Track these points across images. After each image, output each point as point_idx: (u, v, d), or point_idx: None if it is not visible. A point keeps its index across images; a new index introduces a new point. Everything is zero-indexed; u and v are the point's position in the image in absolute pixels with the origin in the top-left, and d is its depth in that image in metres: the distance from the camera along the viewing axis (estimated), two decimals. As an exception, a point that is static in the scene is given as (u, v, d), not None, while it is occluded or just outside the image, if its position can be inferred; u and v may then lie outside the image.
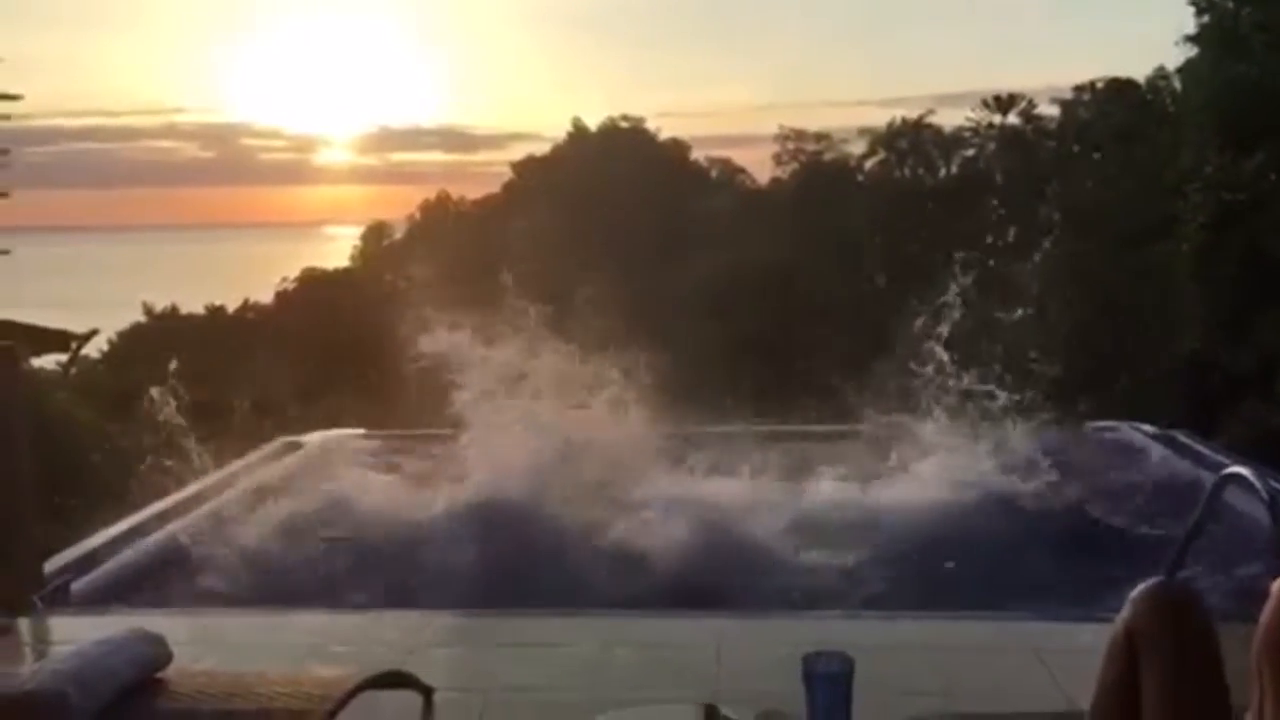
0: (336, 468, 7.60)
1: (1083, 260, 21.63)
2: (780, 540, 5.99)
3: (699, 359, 25.27)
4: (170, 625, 3.29)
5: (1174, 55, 21.20)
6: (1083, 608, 4.17)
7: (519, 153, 39.72)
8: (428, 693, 3.40)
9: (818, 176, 31.22)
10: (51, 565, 4.92)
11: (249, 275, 33.91)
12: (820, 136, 32.75)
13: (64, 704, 2.65)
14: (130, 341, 24.50)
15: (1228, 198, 15.96)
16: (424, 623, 4.32)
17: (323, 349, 22.83)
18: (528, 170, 36.47)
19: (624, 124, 37.14)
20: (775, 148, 33.24)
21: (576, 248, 28.78)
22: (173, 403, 6.87)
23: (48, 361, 14.49)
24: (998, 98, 30.62)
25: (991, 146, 30.57)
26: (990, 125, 30.67)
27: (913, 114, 31.49)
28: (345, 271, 31.46)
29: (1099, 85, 27.95)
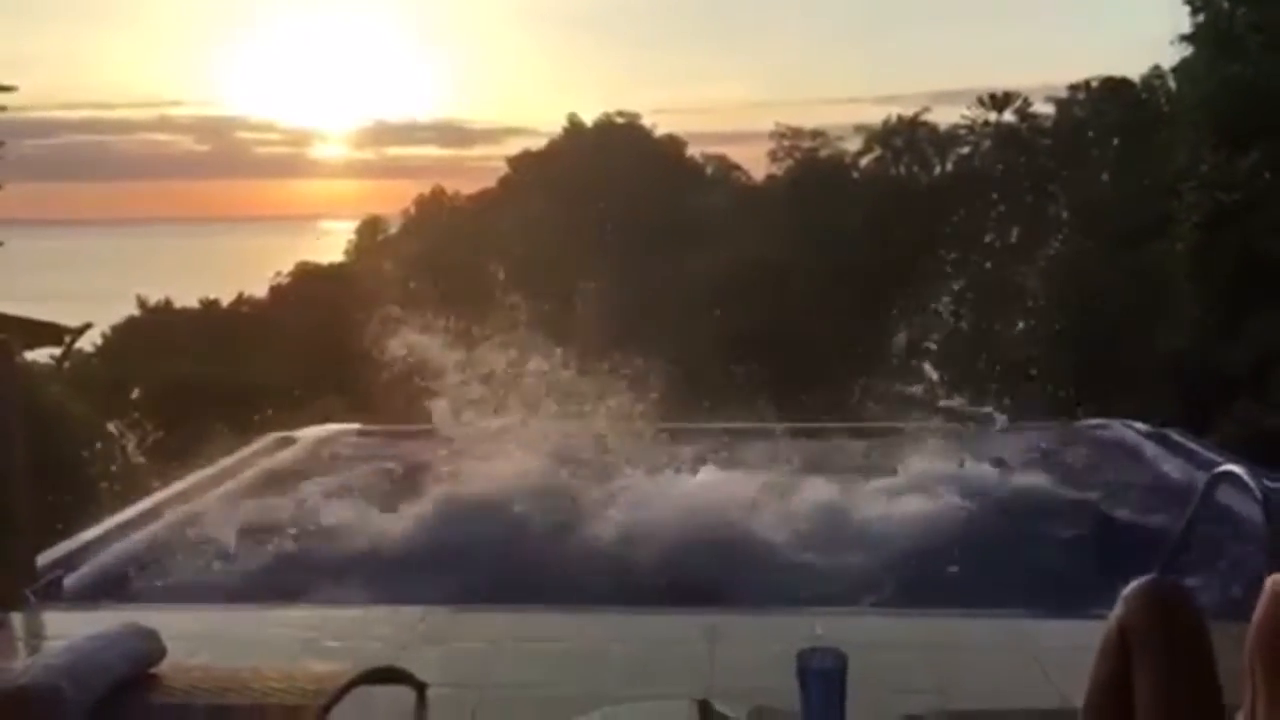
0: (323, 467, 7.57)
1: (1077, 259, 21.68)
2: (767, 542, 5.95)
3: (692, 355, 25.31)
4: (164, 620, 3.28)
5: (1169, 54, 21.25)
6: (1076, 605, 4.18)
7: (514, 148, 39.66)
8: (421, 688, 3.40)
9: (813, 173, 31.20)
10: (45, 559, 4.91)
11: (243, 269, 33.81)
12: (816, 133, 32.75)
13: (57, 698, 2.64)
14: (124, 335, 24.41)
15: (1222, 197, 15.98)
16: (418, 618, 4.31)
17: (317, 344, 22.78)
18: (523, 165, 36.39)
19: (620, 120, 37.07)
20: (771, 144, 33.24)
21: (572, 243, 28.79)
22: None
23: (41, 355, 14.43)
24: (993, 96, 30.61)
25: (987, 144, 30.57)
26: (985, 123, 30.67)
27: (908, 112, 31.50)
28: (340, 266, 31.38)
29: (1094, 84, 27.95)
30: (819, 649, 2.14)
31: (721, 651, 3.92)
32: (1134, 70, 27.31)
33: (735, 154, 37.20)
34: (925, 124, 31.31)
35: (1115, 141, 24.10)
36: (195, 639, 3.87)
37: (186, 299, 27.29)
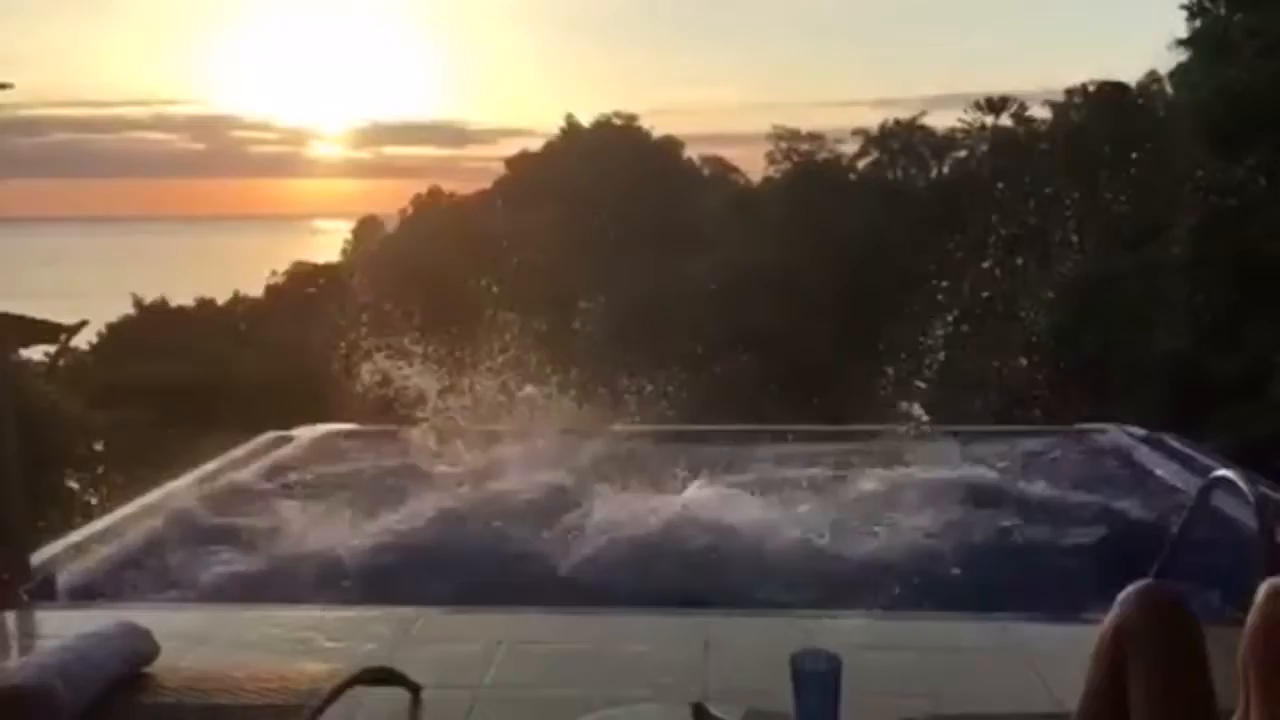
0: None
1: (1073, 264, 21.72)
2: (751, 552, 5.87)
3: (689, 357, 25.31)
4: (158, 619, 3.27)
5: (1166, 59, 21.32)
6: (1070, 609, 4.18)
7: (512, 148, 39.73)
8: (415, 690, 3.40)
9: (810, 176, 31.25)
10: (38, 558, 4.90)
11: (239, 268, 33.78)
12: (813, 136, 32.82)
13: (50, 698, 2.64)
14: (119, 333, 24.39)
15: (1218, 202, 16.02)
16: (413, 619, 4.31)
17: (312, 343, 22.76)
18: (521, 166, 36.42)
19: (617, 121, 37.13)
20: (768, 147, 33.29)
21: (568, 245, 28.79)
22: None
23: (35, 353, 14.40)
24: (990, 100, 30.72)
25: (983, 148, 30.65)
26: (982, 127, 30.77)
27: (905, 115, 31.59)
28: (335, 266, 31.37)
29: (1091, 89, 28.02)
30: (813, 651, 2.14)
31: (717, 654, 3.92)
32: (1130, 75, 27.44)
33: (732, 156, 37.42)
34: (922, 127, 31.43)
35: (1111, 146, 24.14)
36: (189, 638, 3.86)
37: (182, 298, 27.27)
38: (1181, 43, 19.45)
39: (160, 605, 4.86)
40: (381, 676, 3.31)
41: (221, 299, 27.73)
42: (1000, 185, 27.50)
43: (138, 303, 26.14)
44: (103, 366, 19.95)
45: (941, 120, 31.62)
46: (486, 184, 36.85)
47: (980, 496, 6.72)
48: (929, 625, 4.42)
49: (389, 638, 4.05)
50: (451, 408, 7.62)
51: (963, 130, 30.95)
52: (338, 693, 2.91)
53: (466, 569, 5.56)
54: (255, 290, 28.55)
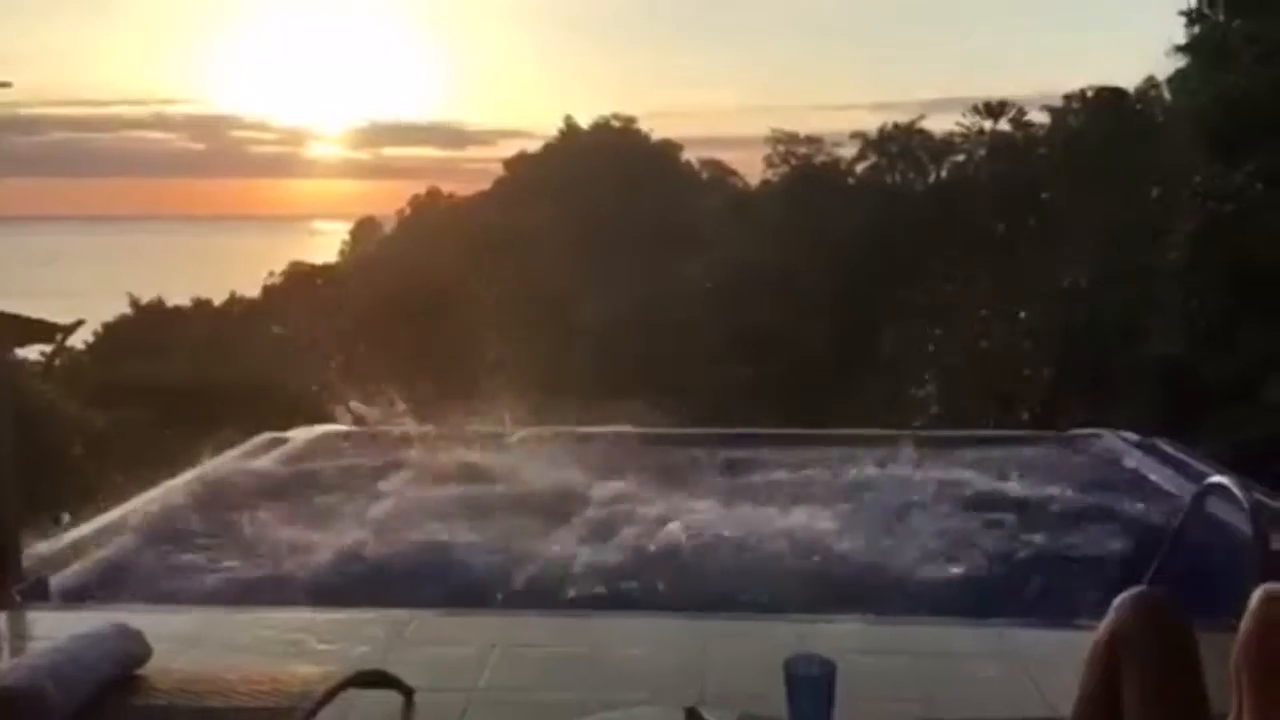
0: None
1: (1070, 268, 21.73)
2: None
3: (686, 359, 25.33)
4: (150, 621, 3.27)
5: (1164, 65, 21.33)
6: (1065, 615, 4.18)
7: (510, 150, 39.76)
8: (409, 693, 3.39)
9: (808, 179, 31.26)
10: (31, 559, 4.88)
11: (236, 268, 33.75)
12: (811, 139, 32.82)
13: (42, 699, 2.63)
14: (116, 333, 24.35)
15: (1215, 208, 16.03)
16: (406, 622, 4.30)
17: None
18: (519, 168, 36.44)
19: (616, 123, 37.16)
20: (766, 150, 33.29)
21: (566, 245, 28.82)
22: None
23: (32, 352, 14.37)
24: (988, 104, 30.72)
25: (981, 152, 30.66)
26: (981, 131, 30.77)
27: (903, 119, 31.59)
28: (333, 267, 31.36)
29: (1089, 94, 28.04)
30: (807, 656, 2.13)
31: (712, 658, 3.91)
32: (1129, 81, 27.45)
33: (731, 159, 37.44)
34: (921, 131, 31.41)
35: (1109, 152, 24.16)
36: (181, 640, 3.85)
37: (179, 298, 27.24)
38: (1180, 49, 19.47)
39: (152, 607, 4.84)
40: (374, 679, 3.30)
41: (218, 299, 27.71)
42: (998, 190, 27.59)
43: (134, 303, 26.13)
44: (99, 366, 19.91)
45: (940, 124, 31.65)
46: (485, 185, 36.89)
47: (973, 501, 6.73)
48: (923, 630, 4.42)
49: (382, 640, 4.04)
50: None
51: (961, 135, 30.95)
52: (330, 695, 2.90)
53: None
54: (252, 291, 28.52)
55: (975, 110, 30.75)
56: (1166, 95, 23.87)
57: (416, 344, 22.24)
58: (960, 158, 31.18)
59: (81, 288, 29.57)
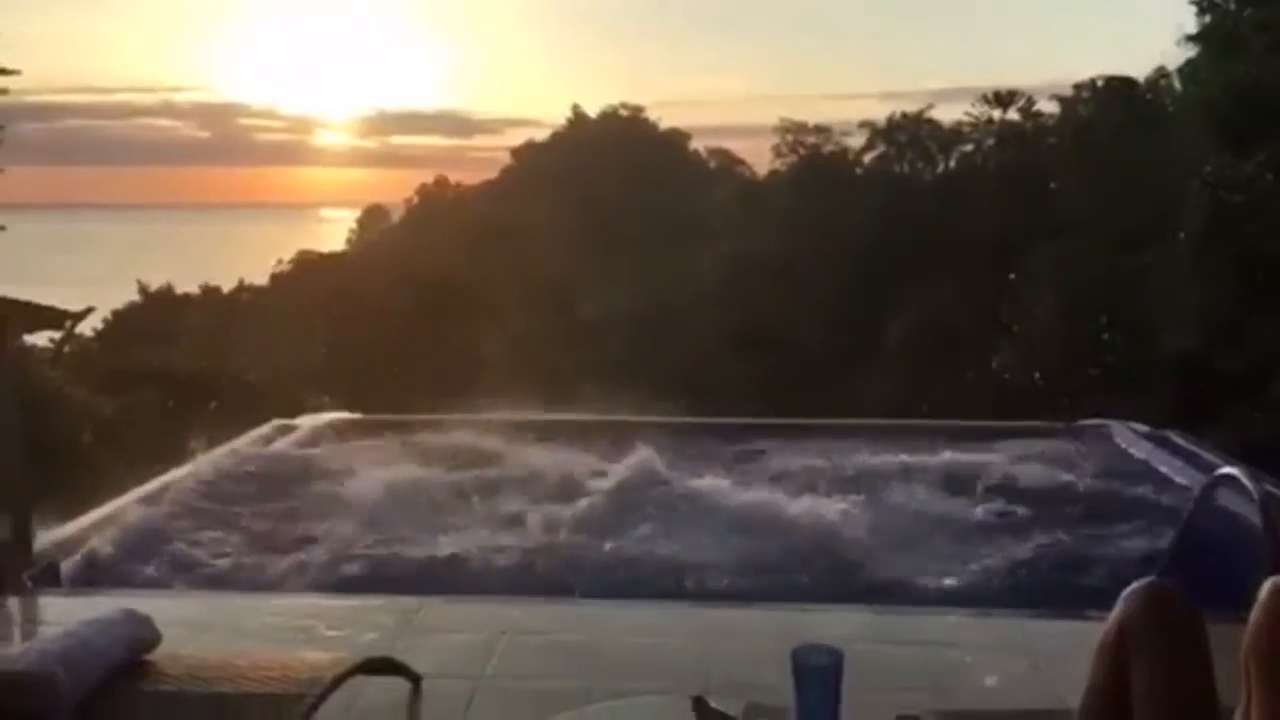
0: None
1: (1078, 259, 21.65)
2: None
3: (694, 348, 25.31)
4: (160, 607, 3.28)
5: (1175, 55, 21.21)
6: (1073, 606, 4.18)
7: (518, 139, 39.67)
8: (416, 680, 3.40)
9: (816, 169, 31.15)
10: (42, 544, 4.91)
11: (245, 256, 33.79)
12: (820, 129, 32.68)
13: (52, 684, 2.64)
14: (125, 320, 24.41)
15: (1225, 198, 15.95)
16: (415, 609, 4.31)
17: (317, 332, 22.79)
18: (527, 156, 36.38)
19: (624, 112, 37.07)
20: (774, 139, 33.15)
21: (574, 234, 28.78)
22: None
23: (41, 339, 14.41)
24: (997, 94, 30.54)
25: (990, 142, 30.51)
26: (990, 121, 30.60)
27: (912, 108, 31.43)
28: (340, 255, 31.38)
29: (1099, 83, 27.87)
30: (814, 645, 2.13)
31: (718, 647, 3.91)
32: (1139, 70, 27.28)
33: (739, 148, 37.27)
34: (929, 121, 31.24)
35: (1118, 141, 24.03)
36: (190, 626, 3.86)
37: (188, 285, 27.29)
38: (1190, 38, 19.37)
39: (163, 593, 4.87)
40: (382, 666, 3.30)
41: (227, 287, 27.76)
42: (1007, 179, 27.47)
43: (143, 290, 26.18)
44: (108, 353, 19.97)
45: (948, 114, 31.45)
46: (493, 174, 36.83)
47: (983, 487, 6.73)
48: (931, 620, 4.42)
49: (390, 627, 4.05)
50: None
51: (970, 124, 30.78)
52: (339, 682, 2.91)
53: None
54: (260, 279, 28.56)
55: (984, 100, 30.58)
56: (1177, 85, 23.72)
57: (420, 332, 22.26)
58: (969, 147, 31.02)
59: (91, 275, 29.63)
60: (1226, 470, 4.03)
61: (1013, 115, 30.46)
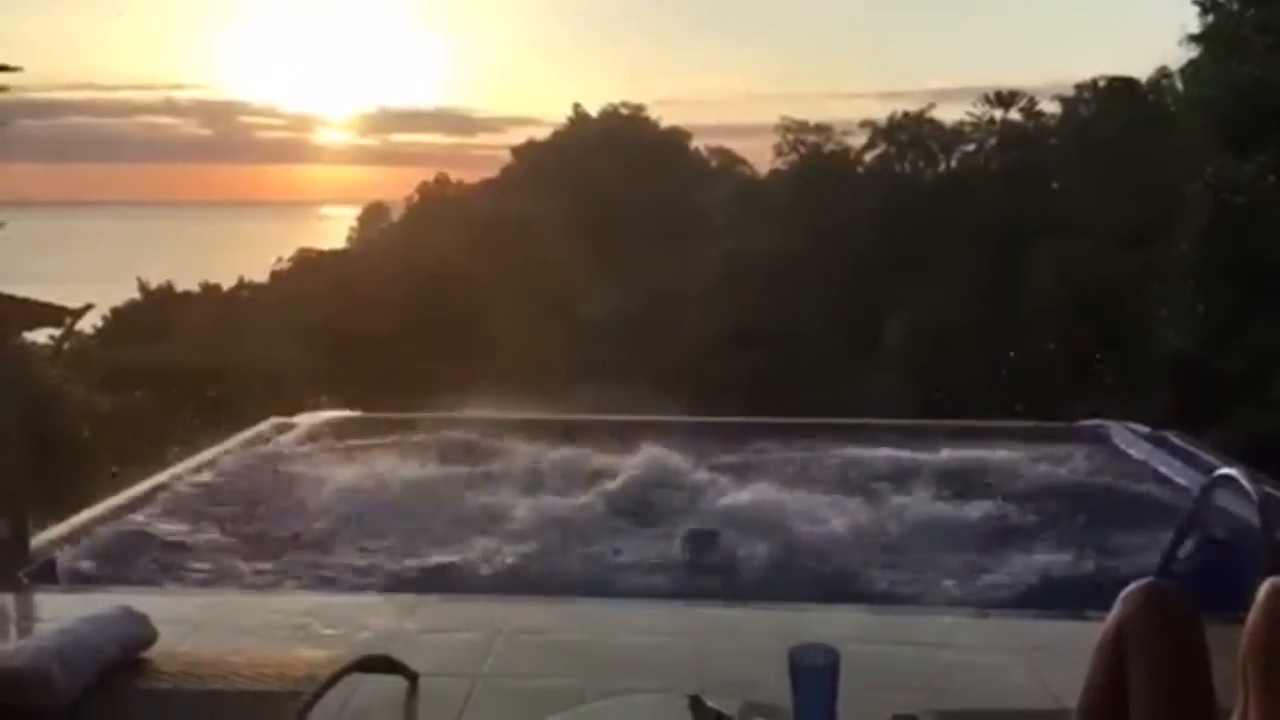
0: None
1: (1079, 259, 21.65)
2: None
3: (695, 348, 25.30)
4: (156, 604, 3.28)
5: (1177, 55, 21.19)
6: (1071, 607, 4.17)
7: (519, 137, 39.66)
8: (413, 677, 3.40)
9: (817, 168, 31.12)
10: (39, 541, 4.90)
11: (245, 254, 33.77)
12: (821, 128, 32.64)
13: (48, 681, 2.64)
14: (125, 318, 24.41)
15: (1227, 199, 15.94)
16: (411, 607, 4.31)
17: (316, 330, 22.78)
18: (528, 155, 36.38)
19: (625, 111, 37.06)
20: (775, 138, 33.11)
21: (574, 232, 28.76)
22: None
23: (41, 336, 14.41)
24: (999, 94, 30.51)
25: (992, 142, 30.48)
26: (991, 121, 30.57)
27: (913, 108, 31.39)
28: (341, 252, 31.36)
29: (1100, 84, 27.85)
30: (811, 645, 2.12)
31: (715, 645, 3.91)
32: (1141, 70, 27.25)
33: (740, 147, 37.24)
34: (931, 120, 31.21)
35: (1120, 142, 24.01)
36: (186, 624, 3.86)
37: (188, 282, 27.29)
38: (1193, 38, 19.34)
39: (159, 590, 4.87)
40: (379, 664, 3.30)
41: (227, 284, 27.75)
42: (1008, 179, 27.46)
43: (143, 287, 26.18)
44: (106, 350, 19.98)
45: (950, 113, 31.39)
46: (493, 172, 36.82)
47: (977, 488, 6.74)
48: (928, 620, 4.41)
49: (387, 625, 4.05)
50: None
51: (971, 124, 30.74)
52: (335, 680, 2.91)
53: None
54: (261, 276, 28.55)
55: (986, 100, 30.54)
56: (1179, 85, 23.70)
57: (421, 330, 22.25)
58: (970, 147, 30.99)
59: (91, 272, 29.63)
60: (1225, 471, 4.02)
61: (1014, 115, 30.43)
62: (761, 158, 34.84)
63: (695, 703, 2.27)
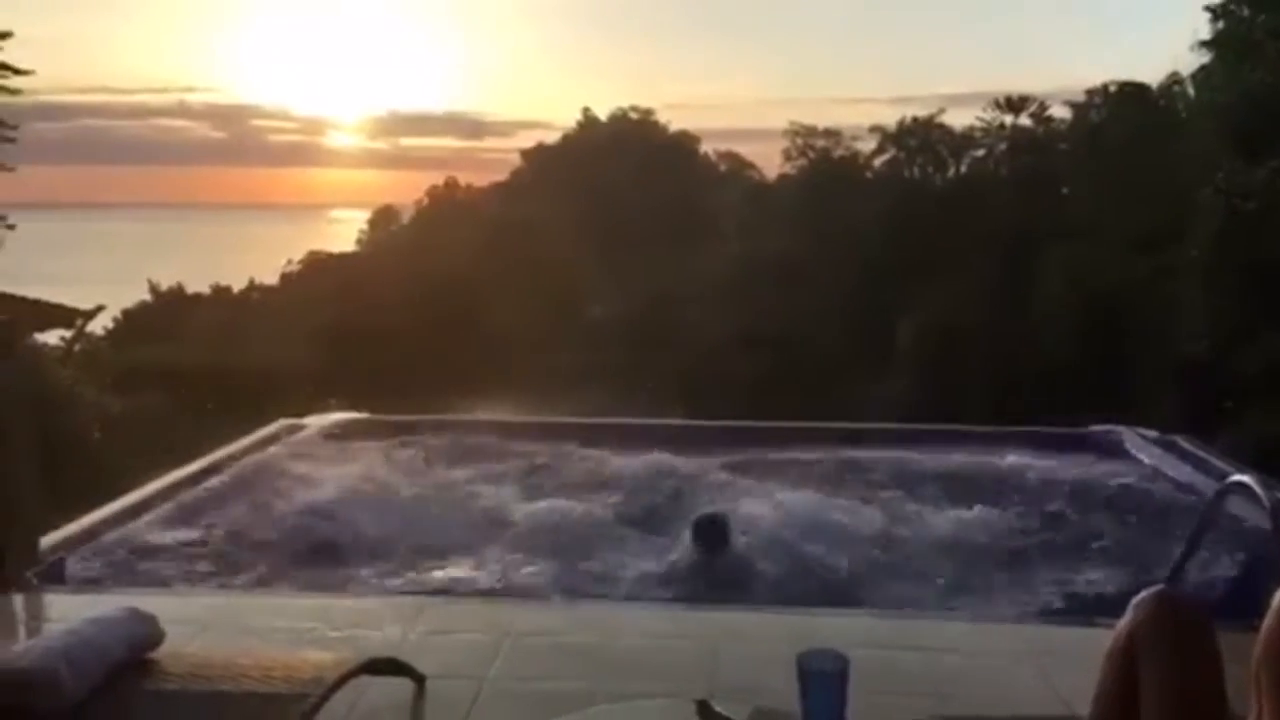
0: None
1: (1090, 264, 21.59)
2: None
3: (702, 351, 25.28)
4: (164, 605, 3.28)
5: (1188, 60, 21.15)
6: (1082, 613, 4.15)
7: (528, 141, 39.76)
8: (420, 680, 3.39)
9: (826, 173, 31.11)
10: (48, 541, 4.91)
11: (256, 256, 33.88)
12: (830, 133, 32.62)
13: (55, 682, 2.64)
14: (135, 319, 24.51)
15: (1238, 204, 15.89)
16: (419, 609, 4.30)
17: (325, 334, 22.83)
18: (537, 158, 36.45)
19: (634, 115, 37.10)
20: (784, 143, 33.11)
21: (583, 236, 28.79)
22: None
23: (52, 337, 14.48)
24: (1009, 99, 30.46)
25: (1002, 147, 30.43)
26: (1001, 126, 30.52)
27: (923, 113, 31.37)
28: (350, 255, 31.44)
29: (1111, 89, 27.79)
30: (820, 651, 2.11)
31: (724, 650, 3.90)
32: (1152, 76, 27.19)
33: (748, 152, 37.26)
34: (940, 125, 31.18)
35: (1131, 147, 23.95)
36: (194, 625, 3.86)
37: (199, 284, 27.41)
38: (1204, 44, 19.30)
39: (167, 591, 4.87)
40: (386, 666, 3.29)
41: (237, 287, 27.86)
42: (1019, 185, 27.40)
43: (153, 289, 26.29)
44: (117, 352, 20.06)
45: (960, 119, 31.39)
46: (502, 176, 36.90)
47: (989, 493, 6.71)
48: (938, 626, 4.39)
49: (394, 627, 4.04)
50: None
51: (981, 129, 30.70)
52: (342, 682, 2.90)
53: None
54: (271, 278, 28.66)
55: (996, 105, 30.50)
56: (1190, 91, 23.64)
57: (430, 332, 22.28)
58: (980, 152, 30.94)
59: (102, 274, 29.75)
60: (1238, 478, 3.99)
61: (1025, 120, 30.39)
62: (770, 162, 34.90)
63: (703, 707, 2.26)
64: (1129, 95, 27.19)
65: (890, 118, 31.91)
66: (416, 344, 22.03)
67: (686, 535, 5.77)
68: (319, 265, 28.37)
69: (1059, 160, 28.49)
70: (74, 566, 4.95)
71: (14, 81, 11.57)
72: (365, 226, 35.75)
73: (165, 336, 22.22)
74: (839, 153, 32.30)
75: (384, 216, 35.57)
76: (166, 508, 6.09)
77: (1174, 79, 25.63)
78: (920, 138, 31.06)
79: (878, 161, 31.80)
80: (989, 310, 23.00)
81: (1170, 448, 7.48)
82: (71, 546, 5.13)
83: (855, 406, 18.63)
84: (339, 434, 8.33)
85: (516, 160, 37.36)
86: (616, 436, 8.05)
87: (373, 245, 33.41)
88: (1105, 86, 27.95)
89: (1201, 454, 7.16)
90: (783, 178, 33.31)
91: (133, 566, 5.30)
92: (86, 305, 15.36)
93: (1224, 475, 4.47)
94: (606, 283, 28.82)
